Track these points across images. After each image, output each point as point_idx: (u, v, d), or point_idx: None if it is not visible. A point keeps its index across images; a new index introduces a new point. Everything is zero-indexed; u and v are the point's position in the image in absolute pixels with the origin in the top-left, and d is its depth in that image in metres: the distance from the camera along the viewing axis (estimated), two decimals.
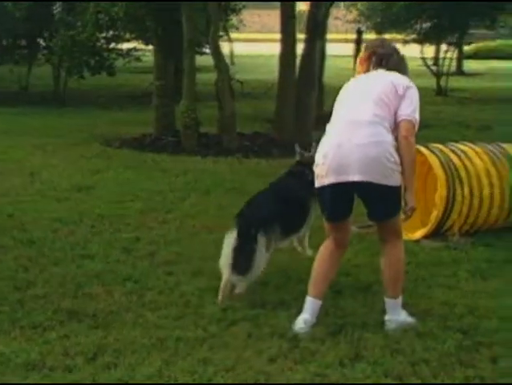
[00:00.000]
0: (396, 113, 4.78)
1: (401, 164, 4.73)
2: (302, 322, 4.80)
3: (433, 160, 6.89)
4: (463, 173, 6.97)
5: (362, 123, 4.74)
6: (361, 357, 4.38)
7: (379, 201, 4.79)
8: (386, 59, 5.06)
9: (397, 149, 4.71)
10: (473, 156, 7.18)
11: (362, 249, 6.45)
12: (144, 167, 10.28)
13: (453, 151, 7.14)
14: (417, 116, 4.82)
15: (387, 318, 4.83)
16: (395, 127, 4.77)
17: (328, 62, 15.44)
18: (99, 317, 4.93)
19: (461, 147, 7.33)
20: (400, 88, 4.83)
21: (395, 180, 4.72)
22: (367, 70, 5.09)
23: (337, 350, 4.44)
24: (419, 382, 4.13)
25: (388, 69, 5.01)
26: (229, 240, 5.27)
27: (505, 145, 7.52)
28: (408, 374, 4.19)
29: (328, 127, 4.92)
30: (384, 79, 4.91)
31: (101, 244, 6.57)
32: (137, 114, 15.55)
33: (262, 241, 5.26)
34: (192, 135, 11.77)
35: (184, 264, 6.07)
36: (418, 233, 6.89)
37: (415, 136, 4.80)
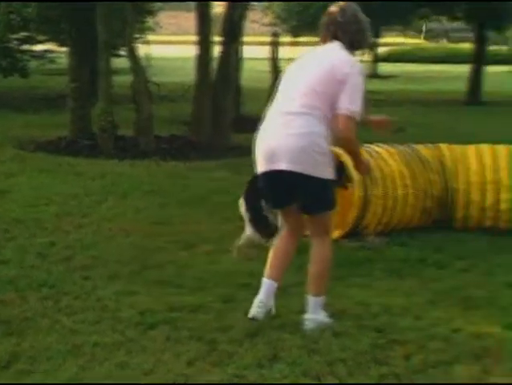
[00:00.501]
0: (334, 101, 4.65)
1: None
2: (258, 303, 4.81)
3: (348, 161, 6.97)
4: (377, 174, 7.09)
5: (292, 114, 4.71)
6: (279, 357, 4.40)
7: (309, 194, 4.77)
8: (342, 30, 4.80)
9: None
10: (387, 157, 7.32)
11: None
12: (59, 170, 10.11)
13: (367, 152, 7.26)
14: (356, 107, 4.66)
15: (306, 316, 4.84)
16: (334, 115, 4.67)
17: (245, 65, 15.47)
18: (13, 323, 4.82)
19: (375, 148, 7.46)
20: (339, 74, 4.65)
21: (326, 172, 4.73)
22: (325, 42, 4.85)
23: (255, 352, 4.45)
24: (336, 381, 4.18)
25: (345, 42, 4.77)
26: (242, 204, 6.57)
27: (417, 146, 7.69)
28: (325, 373, 4.23)
29: (268, 112, 4.88)
30: (324, 62, 4.74)
31: (15, 249, 6.44)
32: (52, 117, 15.27)
33: (265, 206, 6.11)
34: (108, 138, 11.63)
35: (101, 268, 6.00)
36: (335, 233, 6.97)
37: (354, 128, 4.71)
